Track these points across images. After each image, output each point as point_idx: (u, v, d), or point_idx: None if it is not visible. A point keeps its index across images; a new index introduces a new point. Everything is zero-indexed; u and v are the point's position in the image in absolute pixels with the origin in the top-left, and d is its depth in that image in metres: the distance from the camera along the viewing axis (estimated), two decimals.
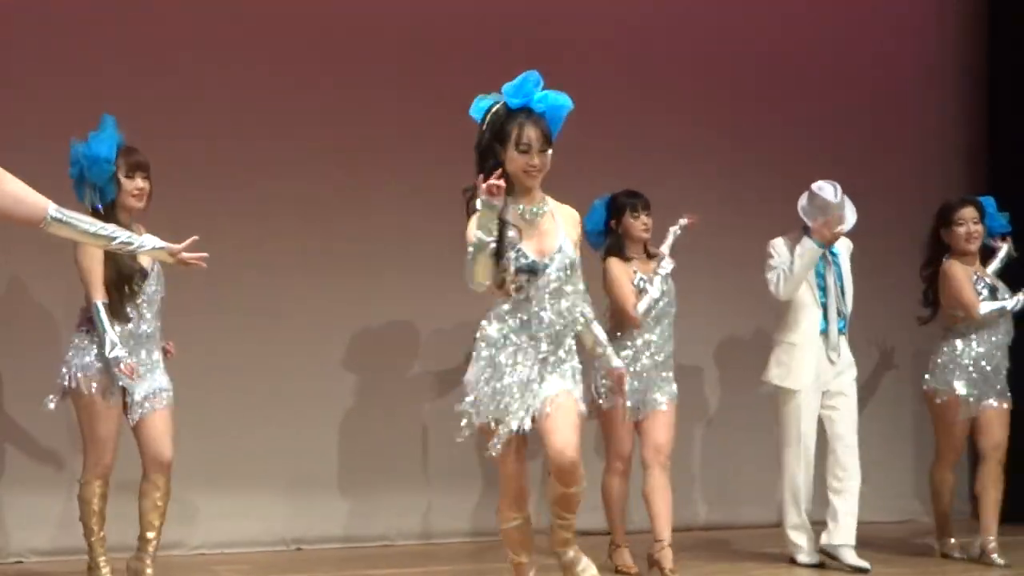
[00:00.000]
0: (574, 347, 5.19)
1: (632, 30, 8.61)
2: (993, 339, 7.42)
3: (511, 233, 5.02)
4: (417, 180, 8.01)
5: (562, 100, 5.13)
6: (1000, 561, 7.30)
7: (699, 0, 8.77)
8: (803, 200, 7.13)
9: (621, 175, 7.45)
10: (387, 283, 8.12)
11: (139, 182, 6.19)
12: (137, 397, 6.18)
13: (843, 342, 7.29)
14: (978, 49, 9.39)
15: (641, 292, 6.94)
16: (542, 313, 5.06)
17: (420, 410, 8.25)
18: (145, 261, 6.18)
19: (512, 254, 5.02)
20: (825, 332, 7.23)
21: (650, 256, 7.11)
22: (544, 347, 5.06)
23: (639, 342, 6.94)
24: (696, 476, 8.67)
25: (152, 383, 6.23)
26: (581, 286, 5.19)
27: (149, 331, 6.22)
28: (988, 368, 7.40)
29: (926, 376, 7.53)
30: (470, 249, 4.97)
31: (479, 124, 5.13)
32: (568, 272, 5.08)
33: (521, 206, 5.11)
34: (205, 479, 7.37)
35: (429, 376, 8.31)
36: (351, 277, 8.06)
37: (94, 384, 6.12)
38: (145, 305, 6.21)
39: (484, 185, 4.89)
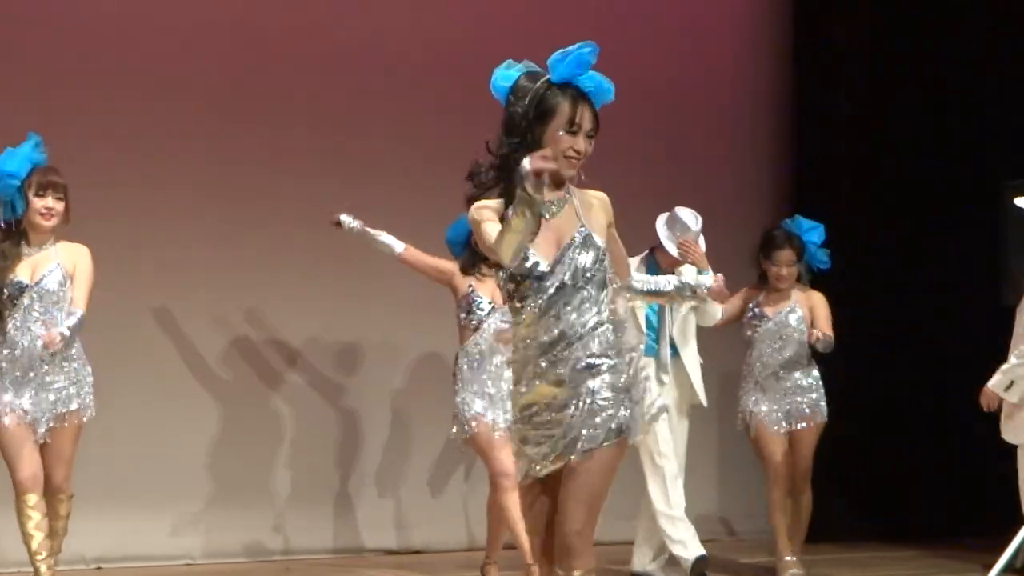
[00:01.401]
0: None
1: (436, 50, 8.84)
2: (778, 357, 7.62)
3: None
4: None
5: (608, 86, 4.47)
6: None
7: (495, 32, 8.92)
8: (662, 220, 7.34)
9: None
10: (260, 302, 8.37)
11: (48, 201, 6.26)
12: (32, 418, 6.27)
13: (676, 364, 7.52)
14: (785, 79, 9.94)
15: (479, 307, 7.15)
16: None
17: (280, 427, 8.49)
18: (24, 275, 6.26)
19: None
20: (656, 355, 7.44)
21: None
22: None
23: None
24: None
25: (49, 404, 6.27)
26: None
27: (40, 344, 6.22)
28: (784, 389, 7.60)
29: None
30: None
31: (508, 95, 4.43)
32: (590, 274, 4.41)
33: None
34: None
35: (291, 394, 8.54)
36: (222, 291, 8.22)
37: None
38: (23, 319, 6.23)
39: (531, 166, 4.03)
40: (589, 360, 4.33)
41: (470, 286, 7.19)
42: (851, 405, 8.26)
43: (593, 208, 4.46)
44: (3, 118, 7.26)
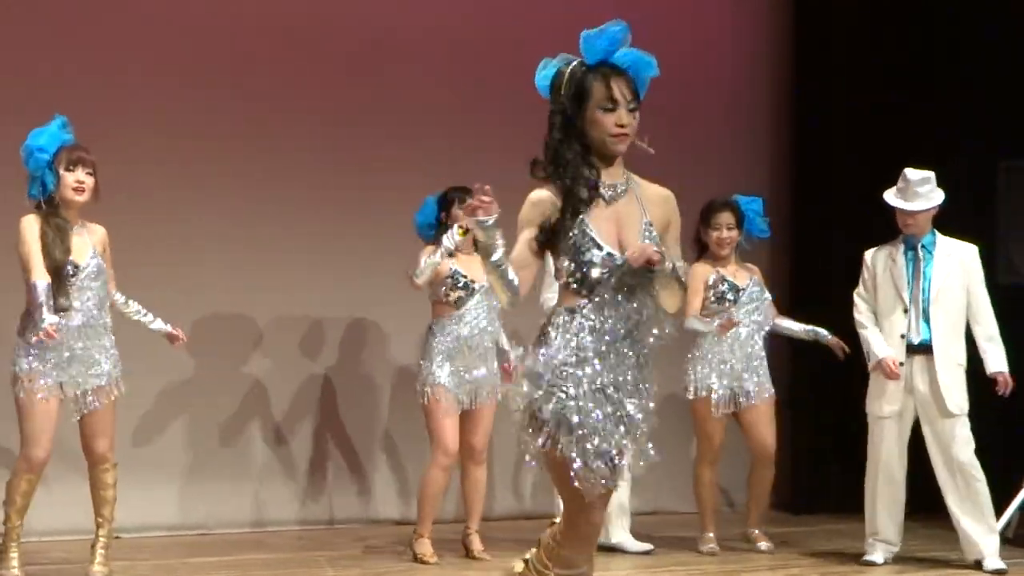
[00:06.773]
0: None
1: (454, 28, 9.05)
2: (737, 337, 7.54)
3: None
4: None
5: (648, 59, 4.40)
6: (764, 547, 7.65)
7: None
8: None
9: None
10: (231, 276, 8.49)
11: (80, 175, 6.28)
12: (73, 393, 6.35)
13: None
14: (784, 68, 10.07)
15: (459, 286, 7.29)
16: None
17: (250, 410, 8.69)
18: (80, 258, 6.32)
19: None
20: None
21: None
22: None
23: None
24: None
25: (90, 379, 6.36)
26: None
27: (82, 322, 6.32)
28: (739, 366, 7.53)
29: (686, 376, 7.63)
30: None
31: (551, 92, 4.40)
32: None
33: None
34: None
35: (261, 377, 8.71)
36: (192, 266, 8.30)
37: (28, 384, 6.28)
38: (78, 296, 6.31)
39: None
40: (645, 352, 4.35)
41: (451, 267, 7.27)
42: None
43: (656, 205, 4.41)
44: (30, 102, 7.35)
